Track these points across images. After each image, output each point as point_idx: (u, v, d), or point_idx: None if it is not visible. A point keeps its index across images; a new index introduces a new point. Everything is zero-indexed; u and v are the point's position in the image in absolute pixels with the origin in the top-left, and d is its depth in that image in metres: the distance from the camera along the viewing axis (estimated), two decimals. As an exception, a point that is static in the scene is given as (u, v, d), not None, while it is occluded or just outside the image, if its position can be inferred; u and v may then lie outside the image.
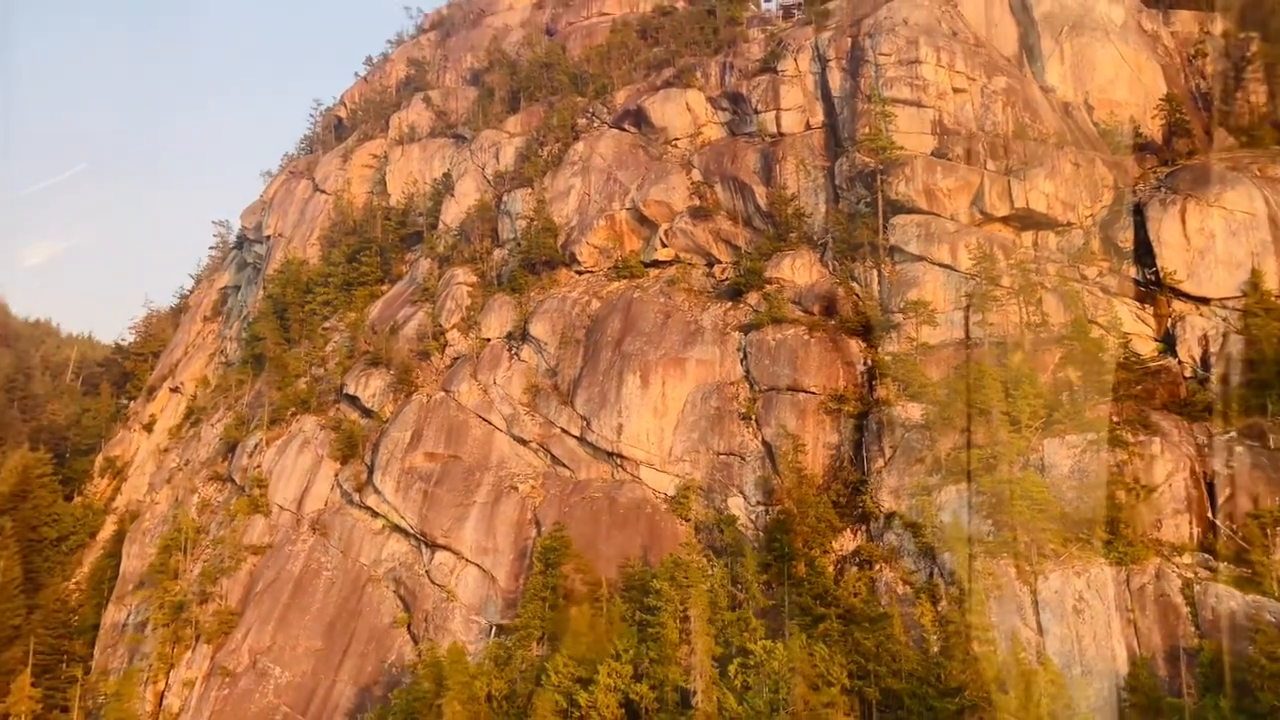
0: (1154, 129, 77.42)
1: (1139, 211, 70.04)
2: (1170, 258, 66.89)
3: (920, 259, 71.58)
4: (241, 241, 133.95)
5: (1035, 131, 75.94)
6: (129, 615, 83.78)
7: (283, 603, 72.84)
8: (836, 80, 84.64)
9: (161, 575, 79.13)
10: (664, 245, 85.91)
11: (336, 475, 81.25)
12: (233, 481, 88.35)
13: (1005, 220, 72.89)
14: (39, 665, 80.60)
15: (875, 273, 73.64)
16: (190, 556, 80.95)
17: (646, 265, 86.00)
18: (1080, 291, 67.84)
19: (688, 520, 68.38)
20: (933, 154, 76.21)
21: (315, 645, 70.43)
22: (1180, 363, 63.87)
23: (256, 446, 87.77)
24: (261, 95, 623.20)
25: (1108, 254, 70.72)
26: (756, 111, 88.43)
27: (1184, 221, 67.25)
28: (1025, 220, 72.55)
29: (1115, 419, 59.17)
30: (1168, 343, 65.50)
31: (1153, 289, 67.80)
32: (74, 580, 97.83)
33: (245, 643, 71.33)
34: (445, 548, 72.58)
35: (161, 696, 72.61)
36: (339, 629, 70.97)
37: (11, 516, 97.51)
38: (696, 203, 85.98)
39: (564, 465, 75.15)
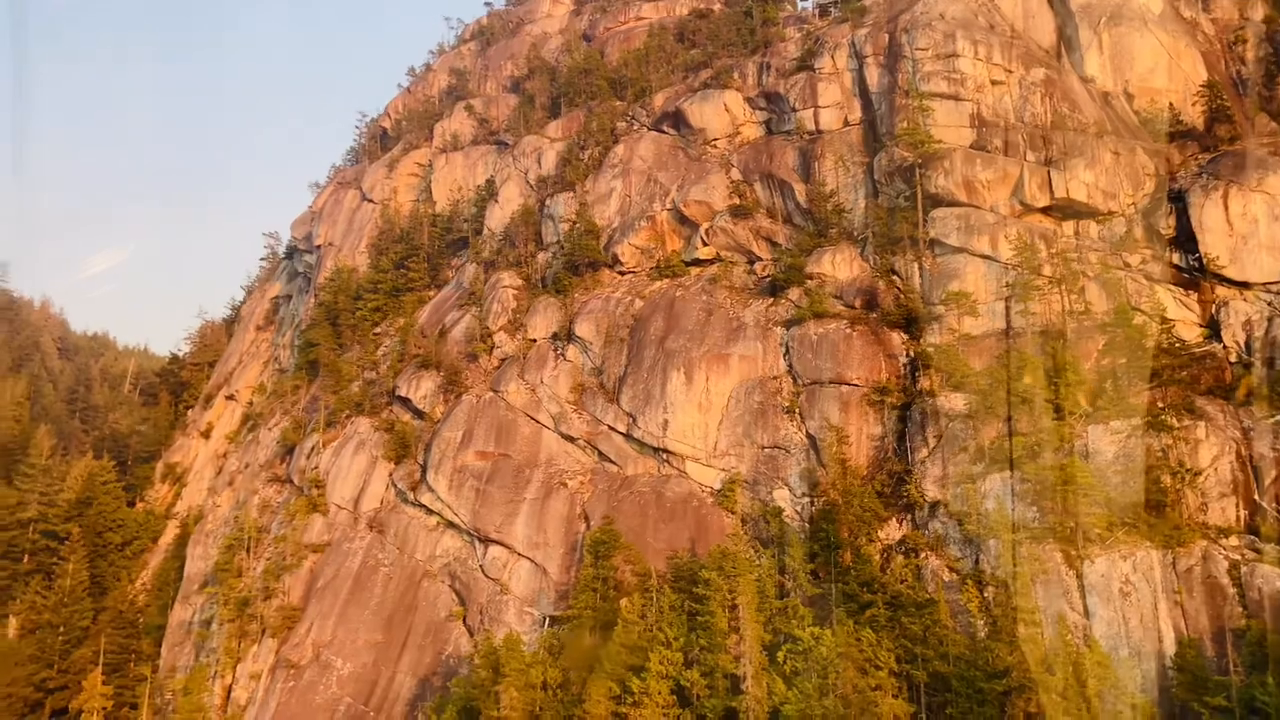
0: (1195, 116, 77.13)
1: (1180, 198, 69.98)
2: (1213, 243, 66.85)
3: (961, 251, 72.13)
4: (292, 252, 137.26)
5: (1075, 122, 76.07)
6: (194, 614, 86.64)
7: (343, 598, 75.18)
8: (874, 76, 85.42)
9: (226, 573, 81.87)
10: (705, 244, 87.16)
11: (391, 475, 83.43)
12: (291, 483, 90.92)
13: (1045, 211, 73.21)
14: (109, 664, 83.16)
15: (916, 266, 74.24)
16: (253, 555, 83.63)
17: (688, 264, 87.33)
18: (1123, 279, 67.97)
19: (734, 513, 69.48)
20: (972, 147, 76.70)
21: (375, 638, 72.60)
22: (1225, 348, 63.69)
23: (313, 449, 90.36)
24: (301, 111, 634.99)
25: (1150, 241, 70.74)
26: (794, 110, 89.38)
27: (1226, 207, 67.19)
28: (1066, 210, 72.78)
29: (1160, 404, 59.43)
30: (1212, 328, 65.32)
31: (1196, 275, 67.74)
32: (139, 582, 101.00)
33: (308, 636, 73.74)
34: (498, 543, 74.42)
35: (229, 689, 75.26)
36: (397, 622, 73.10)
37: (78, 523, 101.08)
38: (736, 201, 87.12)
39: (611, 461, 76.60)
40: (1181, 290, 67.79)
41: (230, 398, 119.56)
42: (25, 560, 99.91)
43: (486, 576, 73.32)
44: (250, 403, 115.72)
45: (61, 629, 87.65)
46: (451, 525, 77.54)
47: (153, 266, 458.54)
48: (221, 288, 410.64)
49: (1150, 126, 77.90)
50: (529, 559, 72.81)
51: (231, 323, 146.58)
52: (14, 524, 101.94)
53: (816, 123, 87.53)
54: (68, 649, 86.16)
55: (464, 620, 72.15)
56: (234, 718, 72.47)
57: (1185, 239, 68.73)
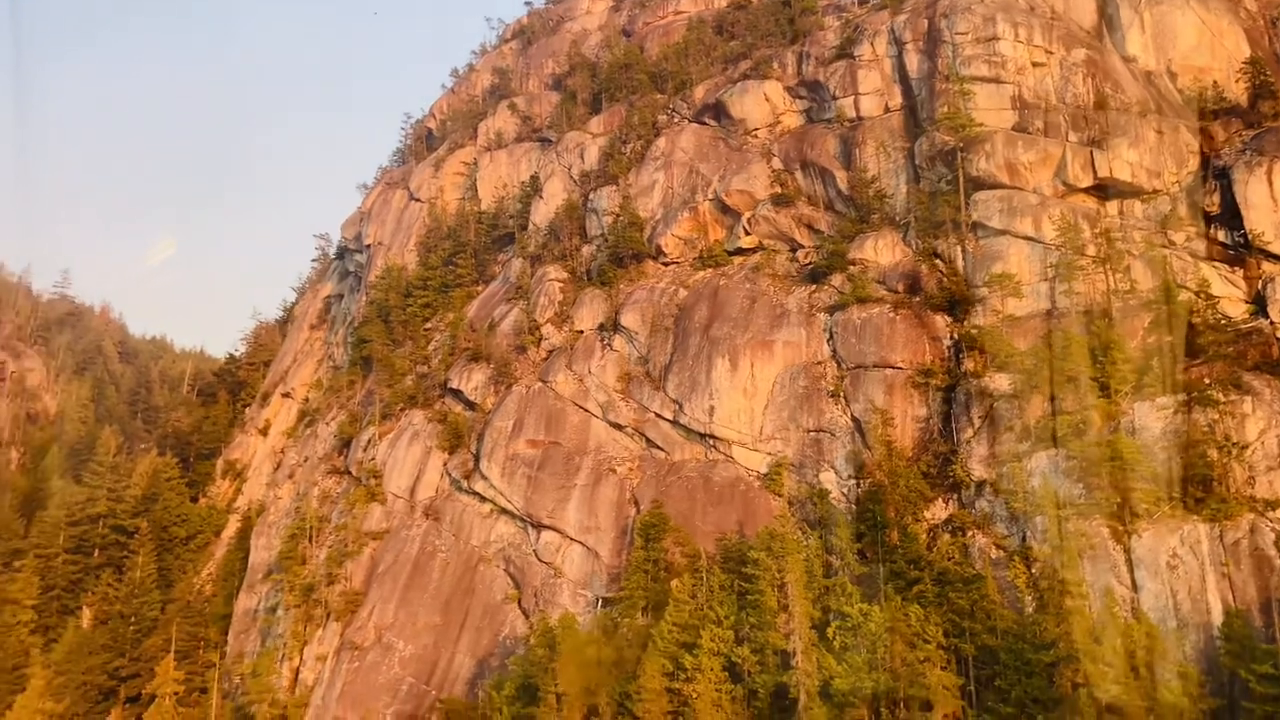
0: (1238, 92, 76.64)
1: (1225, 175, 69.82)
2: (1257, 219, 66.66)
3: (1003, 233, 72.46)
4: (342, 252, 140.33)
5: (1117, 101, 75.99)
6: (259, 601, 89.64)
7: (402, 583, 77.55)
8: (914, 62, 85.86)
9: (290, 561, 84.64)
10: (747, 233, 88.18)
11: (445, 464, 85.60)
12: (349, 474, 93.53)
13: (1089, 191, 73.35)
14: (179, 652, 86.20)
15: (959, 249, 74.64)
16: (315, 544, 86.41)
17: (731, 253, 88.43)
18: (1167, 257, 67.95)
19: (780, 495, 70.44)
20: (1013, 129, 76.98)
21: (434, 621, 74.86)
22: (1271, 323, 63.47)
23: (370, 441, 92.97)
24: (330, 116, 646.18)
25: (1194, 219, 70.54)
26: (834, 97, 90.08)
27: (1270, 183, 66.97)
28: (1109, 190, 72.74)
29: (1206, 380, 59.54)
30: (1258, 304, 65.13)
31: (1241, 251, 67.58)
32: (204, 573, 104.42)
33: (371, 620, 76.25)
34: (550, 528, 76.25)
35: (297, 671, 78.17)
36: (455, 606, 75.28)
37: (145, 518, 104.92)
38: (778, 190, 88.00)
39: (659, 447, 77.96)
40: (1227, 266, 67.69)
41: (286, 395, 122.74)
42: (96, 554, 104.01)
43: (540, 560, 75.22)
44: (306, 399, 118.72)
45: (132, 619, 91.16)
46: (505, 512, 79.53)
47: (201, 271, 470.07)
48: (265, 282, 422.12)
49: (1194, 104, 77.56)
50: (581, 543, 74.56)
51: (285, 323, 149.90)
52: (84, 520, 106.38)
53: (857, 110, 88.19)
54: (138, 638, 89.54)
55: (519, 603, 74.12)
56: (302, 698, 75.19)
57: (1230, 215, 68.59)
